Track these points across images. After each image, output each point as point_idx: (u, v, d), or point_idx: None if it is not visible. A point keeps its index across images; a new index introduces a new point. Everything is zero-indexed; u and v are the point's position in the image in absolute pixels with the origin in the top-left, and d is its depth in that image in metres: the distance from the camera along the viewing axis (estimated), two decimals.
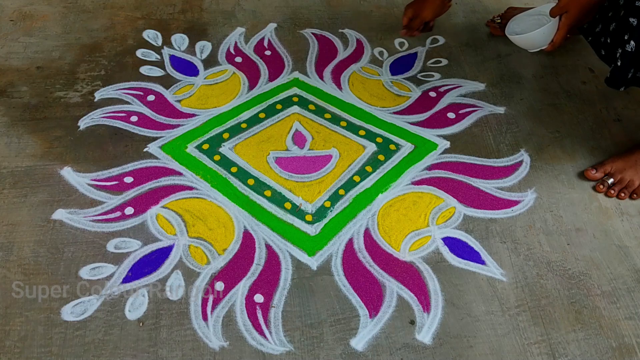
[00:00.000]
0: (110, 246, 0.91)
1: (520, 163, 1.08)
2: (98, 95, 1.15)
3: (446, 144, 1.10)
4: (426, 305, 0.87)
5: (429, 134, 1.12)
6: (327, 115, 1.14)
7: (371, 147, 1.09)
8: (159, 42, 1.28)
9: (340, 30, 1.34)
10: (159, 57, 1.24)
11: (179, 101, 1.15)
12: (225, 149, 1.07)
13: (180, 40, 1.29)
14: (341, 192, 1.01)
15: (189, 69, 1.22)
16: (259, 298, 0.86)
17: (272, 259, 0.91)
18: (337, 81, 1.22)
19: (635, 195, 1.02)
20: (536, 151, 1.10)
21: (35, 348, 0.80)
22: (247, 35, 1.31)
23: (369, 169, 1.05)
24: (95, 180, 1.00)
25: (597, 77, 1.25)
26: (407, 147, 1.09)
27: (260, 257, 0.91)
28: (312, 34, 1.33)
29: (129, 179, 1.00)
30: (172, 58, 1.24)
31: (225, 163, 1.04)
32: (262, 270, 0.90)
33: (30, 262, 0.89)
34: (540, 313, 0.87)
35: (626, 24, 0.97)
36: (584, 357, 0.83)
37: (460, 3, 1.43)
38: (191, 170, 1.02)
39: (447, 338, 0.84)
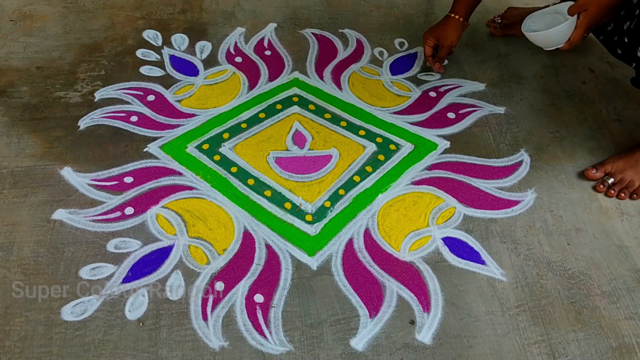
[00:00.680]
0: (110, 246, 0.91)
1: (520, 163, 1.08)
2: (98, 95, 1.15)
3: (446, 144, 1.10)
4: (426, 305, 0.87)
5: (429, 134, 1.12)
6: (327, 115, 1.14)
7: (371, 147, 1.09)
8: (159, 42, 1.28)
9: (340, 30, 1.34)
10: (159, 57, 1.24)
11: (179, 101, 1.15)
12: (225, 149, 1.07)
13: (180, 40, 1.29)
14: (341, 192, 1.01)
15: (189, 69, 1.22)
16: (259, 298, 0.86)
17: (272, 259, 0.91)
18: (337, 81, 1.22)
19: (635, 195, 1.02)
20: (536, 151, 1.10)
21: (35, 348, 0.80)
22: (247, 35, 1.31)
23: (369, 169, 1.05)
24: (95, 180, 1.00)
25: (597, 77, 1.25)
26: (407, 147, 1.09)
27: (260, 257, 0.91)
28: (312, 34, 1.33)
29: (129, 179, 1.00)
30: (172, 58, 1.24)
31: (225, 163, 1.04)
32: (262, 270, 0.90)
33: (30, 262, 0.89)
34: (540, 313, 0.87)
35: None
36: (584, 357, 0.83)
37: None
38: (191, 170, 1.02)
39: (447, 338, 0.84)
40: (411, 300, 0.87)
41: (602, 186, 1.03)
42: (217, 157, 1.05)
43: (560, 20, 1.05)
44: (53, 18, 1.32)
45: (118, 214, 0.95)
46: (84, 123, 1.09)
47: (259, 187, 1.01)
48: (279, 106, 1.16)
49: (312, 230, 0.95)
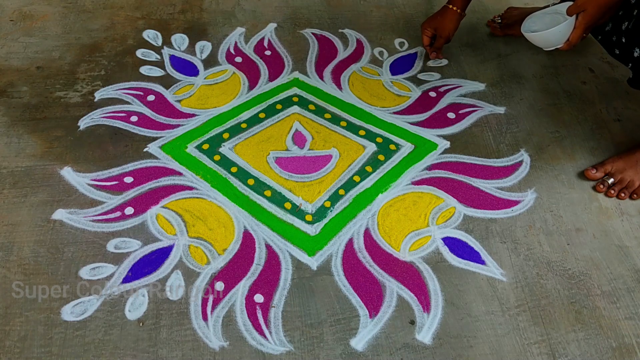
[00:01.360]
0: (110, 246, 0.91)
1: (520, 163, 1.08)
2: (98, 95, 1.15)
3: (446, 144, 1.10)
4: (426, 305, 0.87)
5: (429, 134, 1.12)
6: (327, 115, 1.14)
7: (371, 147, 1.09)
8: (159, 42, 1.28)
9: (340, 30, 1.34)
10: (159, 57, 1.24)
11: (179, 101, 1.15)
12: (225, 149, 1.07)
13: (180, 40, 1.29)
14: (341, 192, 1.01)
15: (189, 69, 1.22)
16: (259, 298, 0.86)
17: (272, 259, 0.91)
18: (337, 81, 1.22)
19: (635, 195, 1.02)
20: (536, 151, 1.10)
21: (35, 348, 0.80)
22: (247, 35, 1.31)
23: (369, 169, 1.05)
24: (95, 180, 1.00)
25: (597, 77, 1.25)
26: (407, 147, 1.09)
27: (260, 257, 0.91)
28: (312, 34, 1.33)
29: (129, 179, 1.00)
30: (172, 58, 1.24)
31: (225, 163, 1.04)
32: (262, 270, 0.90)
33: (30, 262, 0.89)
34: (540, 313, 0.87)
35: None
36: (584, 357, 0.83)
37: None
38: (191, 170, 1.02)
39: (447, 338, 0.84)
40: (411, 300, 0.87)
41: (602, 186, 1.03)
42: (217, 157, 1.05)
43: (560, 20, 1.05)
44: (53, 18, 1.32)
45: (118, 214, 0.95)
46: (84, 123, 1.09)
47: (259, 187, 1.01)
48: (279, 106, 1.16)
49: (312, 230, 0.95)
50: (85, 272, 0.88)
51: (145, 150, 1.05)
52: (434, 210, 0.99)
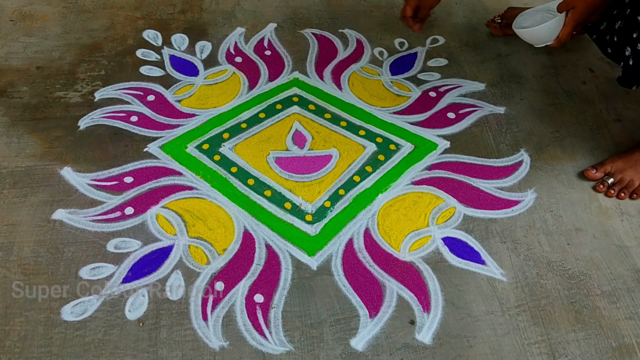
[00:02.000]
0: (110, 246, 0.91)
1: (520, 163, 1.08)
2: (98, 95, 1.15)
3: (446, 144, 1.10)
4: (426, 305, 0.87)
5: (429, 134, 1.12)
6: (327, 115, 1.14)
7: (371, 147, 1.09)
8: (159, 42, 1.28)
9: (340, 30, 1.34)
10: (159, 57, 1.24)
11: (179, 101, 1.15)
12: (225, 149, 1.07)
13: (180, 40, 1.29)
14: (341, 192, 1.01)
15: (189, 69, 1.22)
16: (259, 298, 0.86)
17: (272, 259, 0.91)
18: (337, 81, 1.22)
19: (635, 195, 1.02)
20: (536, 151, 1.10)
21: (35, 348, 0.80)
22: (247, 35, 1.31)
23: (369, 169, 1.05)
24: (95, 180, 1.00)
25: (597, 77, 1.25)
26: (407, 147, 1.09)
27: (260, 257, 0.91)
28: (312, 34, 1.33)
29: (129, 179, 1.00)
30: (172, 58, 1.24)
31: (225, 163, 1.04)
32: (262, 270, 0.90)
33: (30, 262, 0.89)
34: (540, 313, 0.87)
35: (634, 22, 0.97)
36: (584, 357, 0.83)
37: (460, 3, 1.43)
38: (191, 170, 1.02)
39: (447, 338, 0.84)
40: (411, 300, 0.87)
41: (602, 186, 1.03)
42: (217, 157, 1.05)
43: (550, 18, 1.06)
44: (53, 18, 1.32)
45: (118, 214, 0.95)
46: (84, 123, 1.09)
47: (259, 187, 1.01)
48: (279, 106, 1.16)
49: (312, 230, 0.95)
50: (85, 272, 0.88)
51: (145, 150, 1.05)
52: (434, 210, 0.99)
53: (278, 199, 0.99)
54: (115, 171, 1.01)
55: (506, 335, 0.84)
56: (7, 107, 1.12)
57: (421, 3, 1.15)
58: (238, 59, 1.25)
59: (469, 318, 0.86)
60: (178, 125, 1.10)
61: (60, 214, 0.95)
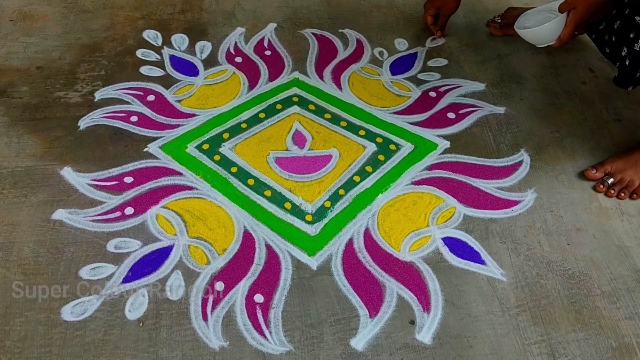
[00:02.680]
0: (110, 246, 0.91)
1: (520, 163, 1.08)
2: (98, 95, 1.15)
3: (446, 144, 1.10)
4: (426, 305, 0.87)
5: (429, 134, 1.12)
6: (327, 115, 1.14)
7: (371, 147, 1.09)
8: (159, 42, 1.28)
9: (340, 30, 1.34)
10: (159, 57, 1.24)
11: (179, 101, 1.15)
12: (225, 149, 1.07)
13: (180, 40, 1.29)
14: (341, 192, 1.01)
15: (189, 69, 1.22)
16: (259, 298, 0.86)
17: (272, 259, 0.91)
18: (337, 81, 1.22)
19: (635, 195, 1.02)
20: (536, 151, 1.10)
21: (35, 348, 0.80)
22: (247, 35, 1.31)
23: (369, 169, 1.05)
24: (95, 180, 1.00)
25: (597, 77, 1.25)
26: (407, 147, 1.09)
27: (260, 257, 0.91)
28: (312, 34, 1.33)
29: (129, 179, 1.00)
30: (172, 58, 1.24)
31: (225, 163, 1.04)
32: (262, 270, 0.90)
33: (30, 262, 0.89)
34: (540, 313, 0.87)
35: (632, 22, 0.97)
36: (584, 357, 0.83)
37: (460, 3, 1.43)
38: (191, 170, 1.02)
39: (447, 338, 0.84)
40: (411, 300, 0.87)
41: (602, 186, 1.03)
42: (217, 157, 1.05)
43: (552, 18, 1.06)
44: (53, 18, 1.32)
45: (118, 214, 0.95)
46: (84, 123, 1.09)
47: (259, 187, 1.01)
48: (279, 106, 1.16)
49: (312, 230, 0.95)
50: (85, 272, 0.88)
51: (145, 150, 1.05)
52: (434, 210, 0.99)
53: (278, 199, 0.99)
54: (115, 171, 1.01)
55: (506, 335, 0.84)
56: (7, 107, 1.12)
57: (441, 11, 1.26)
58: (238, 59, 1.25)
59: (469, 318, 0.86)
60: (178, 125, 1.10)
61: (60, 214, 0.95)
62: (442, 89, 1.21)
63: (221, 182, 1.01)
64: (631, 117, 1.17)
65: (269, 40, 1.31)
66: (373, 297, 0.87)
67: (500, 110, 1.18)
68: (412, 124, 1.14)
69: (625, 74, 1.02)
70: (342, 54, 1.28)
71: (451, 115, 1.16)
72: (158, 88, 1.17)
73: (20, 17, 1.32)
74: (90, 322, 0.83)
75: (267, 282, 0.88)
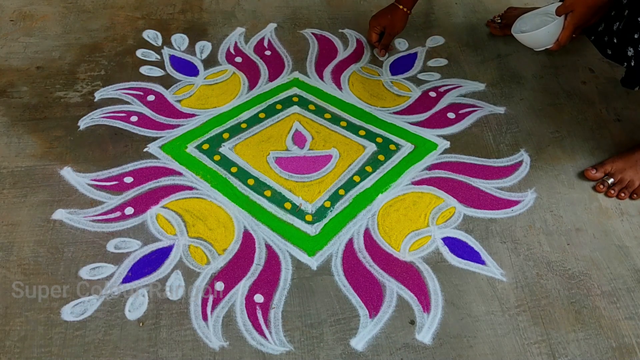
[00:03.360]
0: (110, 246, 0.91)
1: (520, 163, 1.08)
2: (98, 95, 1.15)
3: (446, 144, 1.10)
4: (426, 305, 0.87)
5: (429, 134, 1.12)
6: (327, 115, 1.14)
7: (371, 147, 1.09)
8: (159, 42, 1.28)
9: (340, 30, 1.34)
10: (159, 57, 1.24)
11: (179, 101, 1.15)
12: (225, 149, 1.07)
13: (180, 40, 1.29)
14: (341, 192, 1.01)
15: (189, 69, 1.22)
16: (259, 298, 0.86)
17: (272, 259, 0.91)
18: (337, 81, 1.22)
19: (635, 195, 1.02)
20: (536, 151, 1.10)
21: (35, 348, 0.80)
22: (247, 35, 1.31)
23: (369, 169, 1.05)
24: (95, 180, 1.00)
25: (597, 77, 1.25)
26: (407, 147, 1.09)
27: (260, 257, 0.91)
28: (312, 34, 1.33)
29: (129, 179, 1.00)
30: (172, 58, 1.24)
31: (225, 163, 1.04)
32: (262, 271, 0.90)
33: (30, 262, 0.89)
34: (540, 313, 0.87)
35: (634, 23, 0.97)
36: (584, 357, 0.83)
37: (460, 3, 1.43)
38: (191, 170, 1.02)
39: (447, 338, 0.84)
40: (411, 300, 0.87)
41: (602, 186, 1.03)
42: (217, 157, 1.05)
43: (549, 21, 1.06)
44: (53, 18, 1.32)
45: (118, 214, 0.95)
46: (84, 123, 1.09)
47: (259, 187, 1.01)
48: (279, 106, 1.16)
49: (312, 230, 0.95)
50: (85, 272, 0.88)
51: (145, 150, 1.05)
52: (434, 210, 0.99)
53: (278, 199, 0.99)
54: (115, 171, 1.01)
55: (506, 335, 0.84)
56: (7, 107, 1.12)
57: (387, 30, 1.24)
58: (238, 59, 1.25)
59: (469, 318, 0.86)
60: (178, 125, 1.10)
61: (60, 214, 0.95)
62: (442, 89, 1.21)
63: (221, 182, 1.01)
64: (631, 117, 1.17)
65: (269, 40, 1.31)
66: (373, 297, 0.87)
67: (500, 110, 1.18)
68: (412, 124, 1.14)
69: (632, 74, 1.02)
70: (342, 54, 1.28)
71: (451, 115, 1.16)
72: (158, 88, 1.17)
73: (20, 17, 1.32)
74: (90, 322, 0.83)
75: (267, 282, 0.88)
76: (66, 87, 1.16)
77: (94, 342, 0.81)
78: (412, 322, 0.85)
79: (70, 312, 0.84)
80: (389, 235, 0.95)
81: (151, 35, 1.29)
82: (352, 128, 1.12)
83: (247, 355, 0.81)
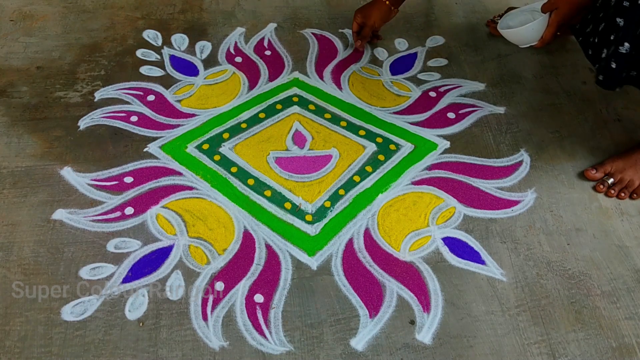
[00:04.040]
0: (110, 246, 0.91)
1: (520, 163, 1.08)
2: (98, 95, 1.15)
3: (446, 144, 1.10)
4: (426, 305, 0.87)
5: (429, 134, 1.12)
6: (327, 115, 1.14)
7: (371, 147, 1.09)
8: (159, 42, 1.28)
9: (340, 30, 1.34)
10: (159, 57, 1.24)
11: (179, 101, 1.15)
12: (225, 149, 1.07)
13: (180, 40, 1.29)
14: (341, 192, 1.01)
15: (189, 69, 1.22)
16: (259, 298, 0.86)
17: (272, 259, 0.91)
18: (337, 81, 1.22)
19: (635, 195, 1.02)
20: (536, 151, 1.10)
21: (35, 348, 0.80)
22: (247, 35, 1.31)
23: (369, 169, 1.05)
24: (95, 180, 1.00)
25: None
26: (407, 147, 1.09)
27: (260, 257, 0.91)
28: (312, 34, 1.33)
29: (129, 179, 1.00)
30: (172, 58, 1.24)
31: (225, 163, 1.04)
32: (262, 270, 0.90)
33: (30, 262, 0.89)
34: (540, 313, 0.87)
35: (613, 24, 0.97)
36: (584, 357, 0.83)
37: (460, 3, 1.43)
38: (191, 170, 1.02)
39: (447, 338, 0.84)
40: (411, 300, 0.87)
41: (602, 186, 1.03)
42: (217, 157, 1.05)
43: (537, 17, 1.07)
44: (53, 18, 1.32)
45: (118, 214, 0.95)
46: (84, 123, 1.09)
47: (259, 187, 1.01)
48: (279, 106, 1.16)
49: (312, 230, 0.95)
50: (85, 272, 0.88)
51: (145, 150, 1.05)
52: (434, 210, 0.99)
53: (278, 199, 0.99)
54: (115, 171, 1.02)
55: (506, 335, 0.84)
56: (7, 107, 1.12)
57: (364, 20, 1.23)
58: (238, 59, 1.25)
59: (469, 318, 0.86)
60: (178, 125, 1.10)
61: (60, 214, 0.95)
62: (442, 89, 1.21)
63: (221, 182, 1.01)
64: (631, 117, 1.17)
65: (269, 40, 1.31)
66: (373, 297, 0.87)
67: (500, 110, 1.18)
68: (412, 124, 1.14)
69: (610, 76, 1.01)
70: (342, 54, 1.28)
71: (451, 115, 1.16)
72: (158, 88, 1.17)
73: (20, 17, 1.32)
74: (90, 322, 0.83)
75: (267, 282, 0.88)
76: (66, 87, 1.16)
77: (94, 342, 0.81)
78: (412, 322, 0.85)
79: (70, 312, 0.84)
80: (389, 235, 0.95)
81: (151, 35, 1.29)
82: (352, 128, 1.12)
83: (247, 355, 0.81)
